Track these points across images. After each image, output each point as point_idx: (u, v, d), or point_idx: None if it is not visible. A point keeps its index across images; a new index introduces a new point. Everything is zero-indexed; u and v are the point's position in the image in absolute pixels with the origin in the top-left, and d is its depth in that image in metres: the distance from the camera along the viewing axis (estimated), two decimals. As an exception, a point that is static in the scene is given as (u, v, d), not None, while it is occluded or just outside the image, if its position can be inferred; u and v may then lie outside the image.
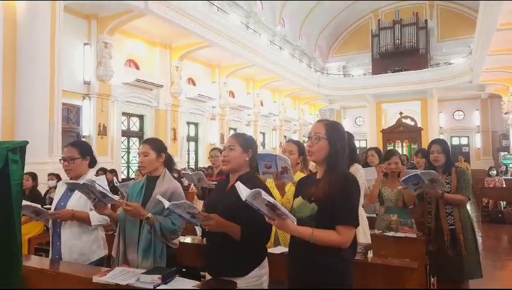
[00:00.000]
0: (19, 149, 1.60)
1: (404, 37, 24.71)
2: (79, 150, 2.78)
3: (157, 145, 2.69)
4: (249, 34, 16.42)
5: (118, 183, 5.60)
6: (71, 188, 2.70)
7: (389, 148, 18.40)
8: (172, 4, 10.95)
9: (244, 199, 1.66)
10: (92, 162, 2.87)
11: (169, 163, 2.75)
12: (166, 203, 2.07)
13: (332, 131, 1.97)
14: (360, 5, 25.37)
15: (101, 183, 2.44)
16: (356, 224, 1.87)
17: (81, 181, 2.41)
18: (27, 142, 1.87)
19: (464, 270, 3.41)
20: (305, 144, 2.75)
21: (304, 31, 24.83)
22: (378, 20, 26.10)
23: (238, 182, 1.79)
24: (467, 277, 3.46)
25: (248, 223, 2.07)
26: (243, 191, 1.69)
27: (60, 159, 2.81)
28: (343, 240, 1.82)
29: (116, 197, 2.51)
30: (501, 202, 9.43)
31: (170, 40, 12.87)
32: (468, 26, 21.65)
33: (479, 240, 7.45)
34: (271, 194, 2.18)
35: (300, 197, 1.98)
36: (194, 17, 11.87)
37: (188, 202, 2.06)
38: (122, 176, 11.15)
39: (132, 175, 11.74)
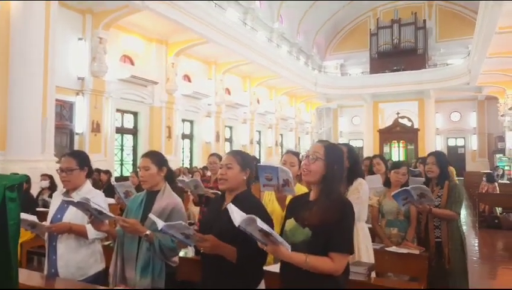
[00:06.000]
0: (17, 186, 1.49)
1: (402, 36, 24.66)
2: (77, 161, 2.70)
3: (158, 159, 2.60)
4: (247, 30, 16.26)
5: (115, 183, 5.48)
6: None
7: (385, 148, 18.41)
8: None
9: (237, 225, 1.63)
10: (90, 173, 2.80)
11: (170, 177, 2.67)
12: (160, 225, 1.97)
13: (331, 153, 1.93)
14: (359, 3, 25.26)
15: (97, 200, 2.36)
16: (351, 252, 1.85)
17: (75, 199, 2.32)
18: (26, 177, 1.76)
19: (449, 281, 3.52)
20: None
21: (302, 28, 24.69)
22: (377, 19, 26.03)
23: (231, 204, 1.76)
24: (452, 286, 3.54)
25: (244, 245, 1.99)
26: (236, 217, 1.64)
27: (57, 170, 2.73)
28: (336, 267, 1.79)
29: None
30: (497, 207, 9.42)
31: (166, 36, 12.70)
32: (466, 27, 21.67)
33: (476, 247, 7.45)
34: (265, 211, 2.18)
35: (292, 219, 1.92)
36: (191, 13, 11.69)
37: (183, 223, 1.97)
38: (115, 174, 11.00)
39: (126, 173, 11.59)
